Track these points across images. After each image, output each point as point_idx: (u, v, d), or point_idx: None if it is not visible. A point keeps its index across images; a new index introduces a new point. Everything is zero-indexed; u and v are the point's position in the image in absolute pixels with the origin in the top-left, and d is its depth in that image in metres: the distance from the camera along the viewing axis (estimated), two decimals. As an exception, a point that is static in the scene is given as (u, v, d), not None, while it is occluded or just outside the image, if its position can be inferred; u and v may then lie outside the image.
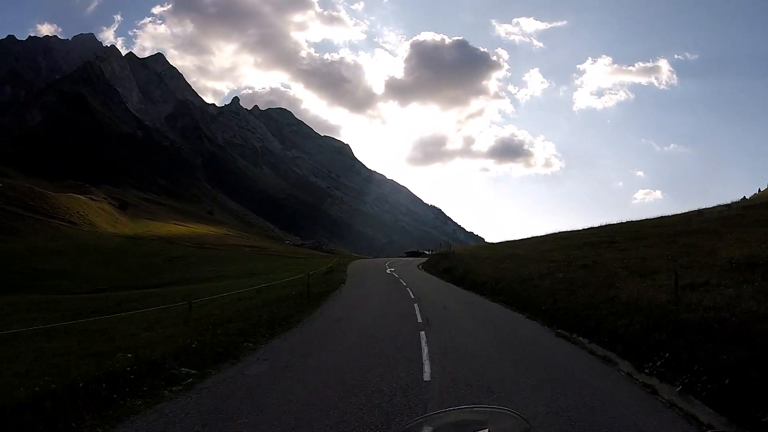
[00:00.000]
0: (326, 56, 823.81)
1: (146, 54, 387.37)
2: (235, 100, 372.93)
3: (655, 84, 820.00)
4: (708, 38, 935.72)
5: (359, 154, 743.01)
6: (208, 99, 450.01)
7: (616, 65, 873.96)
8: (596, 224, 33.81)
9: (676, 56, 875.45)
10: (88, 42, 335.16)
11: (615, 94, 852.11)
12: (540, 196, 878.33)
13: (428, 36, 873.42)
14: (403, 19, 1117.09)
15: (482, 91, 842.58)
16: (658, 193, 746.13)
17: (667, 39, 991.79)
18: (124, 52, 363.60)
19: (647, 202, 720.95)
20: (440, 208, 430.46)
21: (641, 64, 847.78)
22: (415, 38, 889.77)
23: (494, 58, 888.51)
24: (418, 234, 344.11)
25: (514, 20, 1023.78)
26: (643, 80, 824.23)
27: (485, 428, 1.65)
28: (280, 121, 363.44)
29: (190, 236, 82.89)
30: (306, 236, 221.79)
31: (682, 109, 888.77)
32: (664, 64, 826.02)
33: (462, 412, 1.69)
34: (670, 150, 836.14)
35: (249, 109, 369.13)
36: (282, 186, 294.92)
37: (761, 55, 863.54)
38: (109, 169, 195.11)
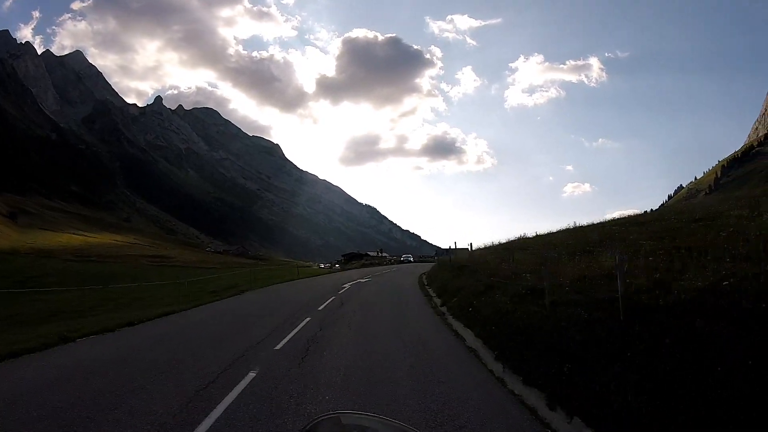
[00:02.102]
0: (255, 54, 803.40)
1: (65, 52, 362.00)
2: (158, 99, 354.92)
3: (585, 81, 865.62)
4: (638, 37, 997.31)
5: (290, 154, 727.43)
6: (131, 100, 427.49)
7: (547, 63, 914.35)
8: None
9: (606, 54, 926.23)
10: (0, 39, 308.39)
11: (546, 91, 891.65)
12: (473, 192, 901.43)
13: (361, 33, 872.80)
14: (336, 15, 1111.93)
15: (415, 89, 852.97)
16: (586, 186, 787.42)
17: (598, 37, 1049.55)
18: (41, 50, 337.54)
19: (576, 195, 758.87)
20: (375, 207, 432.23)
21: (572, 62, 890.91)
22: (347, 35, 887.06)
23: (428, 55, 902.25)
24: (354, 235, 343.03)
25: (449, 17, 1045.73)
26: (573, 78, 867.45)
27: None
28: (207, 122, 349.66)
29: (81, 247, 76.12)
30: (235, 241, 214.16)
31: (610, 106, 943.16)
32: (594, 62, 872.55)
33: (378, 421, 1.59)
34: (598, 145, 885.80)
35: (173, 109, 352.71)
36: (208, 189, 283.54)
37: (689, 53, 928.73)
38: (14, 175, 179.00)
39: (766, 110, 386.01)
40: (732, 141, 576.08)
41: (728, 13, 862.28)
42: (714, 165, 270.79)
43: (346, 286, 23.35)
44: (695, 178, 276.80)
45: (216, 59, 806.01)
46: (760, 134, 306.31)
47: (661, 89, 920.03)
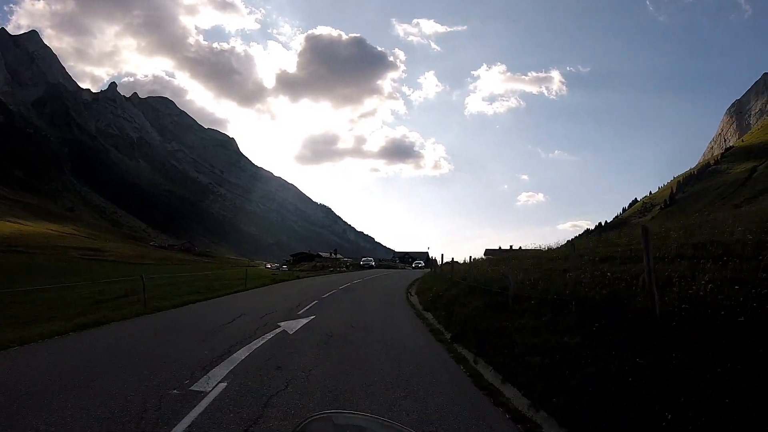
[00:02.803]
0: (216, 45, 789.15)
1: (21, 32, 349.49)
2: (113, 86, 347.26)
3: (546, 94, 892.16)
4: (601, 53, 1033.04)
5: (246, 149, 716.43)
6: (85, 85, 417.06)
7: (509, 73, 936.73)
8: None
9: (568, 68, 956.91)
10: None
11: (506, 100, 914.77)
12: (429, 197, 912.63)
13: (325, 30, 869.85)
14: (301, 10, 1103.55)
15: (376, 91, 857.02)
16: (540, 196, 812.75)
17: (561, 51, 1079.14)
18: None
19: (530, 205, 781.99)
20: (330, 207, 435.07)
21: (534, 74, 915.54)
22: (311, 32, 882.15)
23: (391, 58, 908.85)
24: (307, 234, 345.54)
25: (415, 21, 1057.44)
26: (534, 89, 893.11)
27: None
28: (161, 111, 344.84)
29: (11, 236, 78.55)
30: (184, 237, 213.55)
31: (569, 119, 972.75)
32: (556, 75, 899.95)
33: (371, 420, 1.60)
34: (554, 156, 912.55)
35: (128, 96, 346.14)
36: (159, 181, 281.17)
37: (649, 73, 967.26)
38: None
39: (721, 131, 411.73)
40: (687, 158, 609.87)
41: (690, 39, 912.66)
42: (669, 180, 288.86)
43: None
44: (650, 193, 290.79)
45: (175, 48, 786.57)
46: (715, 153, 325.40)
47: (619, 106, 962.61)
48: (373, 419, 1.59)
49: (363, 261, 70.94)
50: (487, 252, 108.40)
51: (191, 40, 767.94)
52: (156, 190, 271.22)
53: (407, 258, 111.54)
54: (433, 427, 4.65)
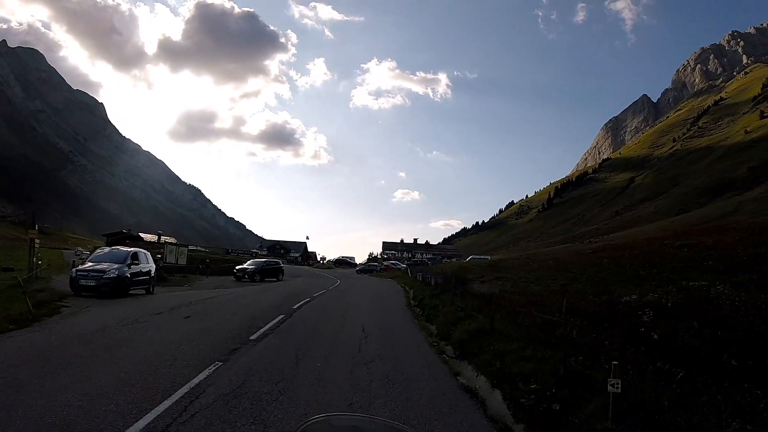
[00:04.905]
0: None
1: None
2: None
3: (431, 95, 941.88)
4: (488, 61, 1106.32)
5: (115, 118, 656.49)
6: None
7: (399, 70, 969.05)
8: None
9: (456, 73, 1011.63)
10: None
11: (393, 97, 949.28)
12: (305, 186, 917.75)
13: (218, 0, 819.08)
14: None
15: (262, 71, 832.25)
16: (416, 194, 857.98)
17: (452, 55, 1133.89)
18: None
19: (405, 201, 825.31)
20: (200, 188, 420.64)
21: (423, 74, 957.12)
22: None
23: (282, 39, 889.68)
24: (173, 216, 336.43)
25: (312, 4, 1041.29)
26: (421, 89, 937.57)
27: None
28: (29, 65, 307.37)
29: None
30: (33, 208, 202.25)
31: (451, 122, 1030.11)
32: (444, 78, 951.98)
33: (370, 421, 1.59)
34: (432, 156, 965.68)
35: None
36: (14, 143, 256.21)
37: (531, 84, 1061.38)
38: None
39: (597, 144, 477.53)
40: (562, 167, 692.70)
41: (575, 58, 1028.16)
42: (546, 186, 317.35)
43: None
44: (527, 196, 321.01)
45: None
46: (589, 164, 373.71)
47: (501, 113, 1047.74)
48: (371, 420, 1.60)
49: (249, 267, 33.24)
50: (385, 245, 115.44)
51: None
52: (9, 153, 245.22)
53: (277, 248, 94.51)
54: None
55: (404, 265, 62.15)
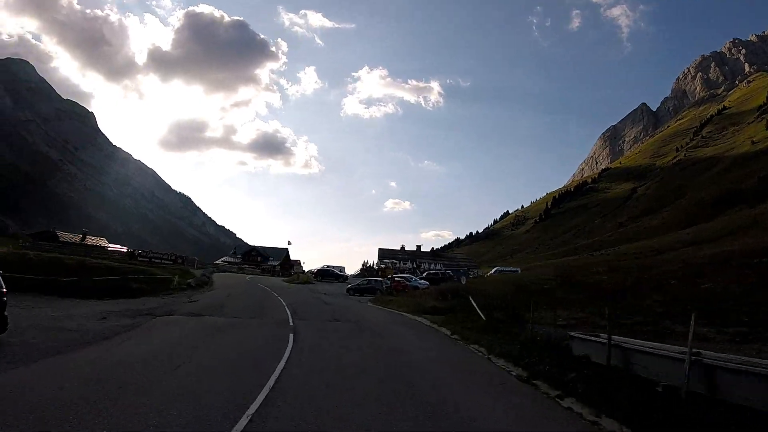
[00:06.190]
0: (89, 11, 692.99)
1: None
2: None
3: (423, 104, 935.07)
4: (481, 70, 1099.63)
5: (106, 127, 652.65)
6: None
7: (390, 78, 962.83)
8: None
9: (448, 80, 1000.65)
10: None
11: (384, 106, 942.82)
12: (296, 196, 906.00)
13: (207, 9, 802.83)
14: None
15: (253, 80, 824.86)
16: (407, 204, 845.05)
17: (444, 63, 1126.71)
18: None
19: (396, 211, 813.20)
20: (190, 197, 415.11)
21: (415, 82, 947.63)
22: (191, 8, 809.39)
23: (273, 48, 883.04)
24: (162, 224, 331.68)
25: (302, 11, 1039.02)
26: (413, 98, 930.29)
27: None
28: (19, 76, 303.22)
29: None
30: (20, 218, 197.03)
31: (443, 131, 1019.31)
32: (436, 86, 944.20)
33: None
34: (423, 166, 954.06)
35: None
36: (2, 152, 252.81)
37: (525, 92, 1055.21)
38: None
39: (594, 153, 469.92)
40: (558, 177, 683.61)
41: (570, 66, 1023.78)
42: (542, 196, 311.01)
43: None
44: (522, 206, 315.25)
45: (45, 7, 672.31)
46: (586, 174, 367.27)
47: (493, 122, 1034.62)
48: None
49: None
50: (382, 252, 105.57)
51: (64, 1, 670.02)
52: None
53: (253, 254, 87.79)
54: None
55: (425, 282, 42.90)
